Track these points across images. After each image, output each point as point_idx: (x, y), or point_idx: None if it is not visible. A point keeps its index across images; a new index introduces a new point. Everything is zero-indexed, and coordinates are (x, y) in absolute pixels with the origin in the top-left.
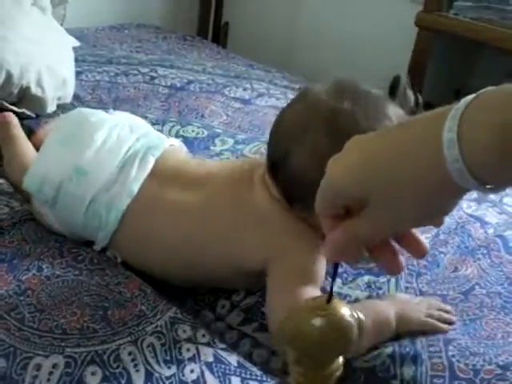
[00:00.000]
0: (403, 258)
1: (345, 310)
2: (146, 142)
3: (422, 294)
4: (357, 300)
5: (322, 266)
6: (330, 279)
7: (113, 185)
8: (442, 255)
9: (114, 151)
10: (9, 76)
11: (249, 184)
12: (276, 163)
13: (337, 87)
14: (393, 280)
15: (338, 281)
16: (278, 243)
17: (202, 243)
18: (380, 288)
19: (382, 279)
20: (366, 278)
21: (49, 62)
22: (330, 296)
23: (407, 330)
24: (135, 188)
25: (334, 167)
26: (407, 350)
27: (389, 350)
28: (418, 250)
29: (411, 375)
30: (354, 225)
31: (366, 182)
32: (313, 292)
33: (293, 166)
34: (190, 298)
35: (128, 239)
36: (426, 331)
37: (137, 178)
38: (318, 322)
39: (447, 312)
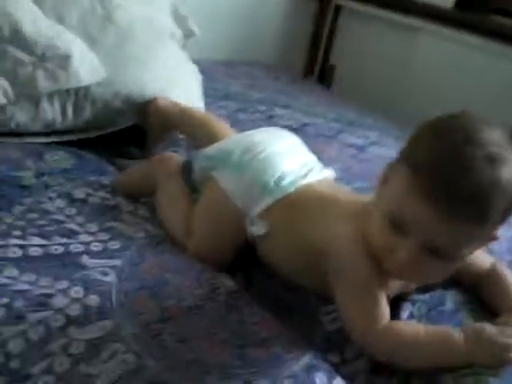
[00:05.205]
0: None
1: None
2: (317, 162)
3: None
4: None
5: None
6: None
7: (298, 169)
8: None
9: (300, 153)
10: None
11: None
12: None
13: None
14: None
15: None
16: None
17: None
18: None
19: None
20: None
21: (185, 90)
22: None
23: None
24: (313, 178)
25: None
26: None
27: None
28: None
29: None
30: None
31: None
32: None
33: None
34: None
35: (284, 210)
36: None
37: (316, 174)
38: None
39: None
